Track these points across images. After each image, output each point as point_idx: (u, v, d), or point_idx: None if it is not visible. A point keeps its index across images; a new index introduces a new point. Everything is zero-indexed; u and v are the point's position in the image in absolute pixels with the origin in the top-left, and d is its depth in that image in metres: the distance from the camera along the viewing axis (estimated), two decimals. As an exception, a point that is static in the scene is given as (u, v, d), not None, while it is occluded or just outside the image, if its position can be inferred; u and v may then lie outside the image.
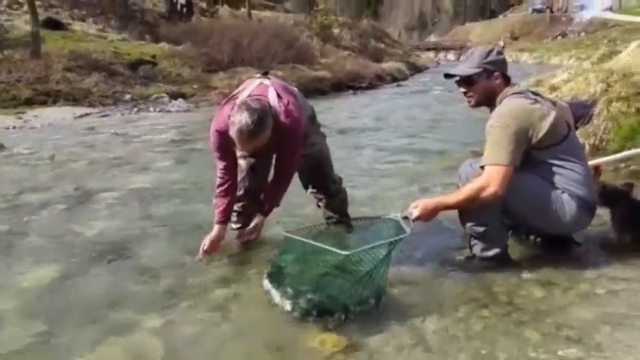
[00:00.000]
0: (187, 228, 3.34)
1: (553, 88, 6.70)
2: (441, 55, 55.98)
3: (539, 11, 72.02)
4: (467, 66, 2.55)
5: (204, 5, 26.65)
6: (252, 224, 2.84)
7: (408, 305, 2.22)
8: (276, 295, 2.22)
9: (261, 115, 2.38)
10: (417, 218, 2.38)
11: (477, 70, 2.50)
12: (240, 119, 2.35)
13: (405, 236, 2.25)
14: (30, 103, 10.59)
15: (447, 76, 2.65)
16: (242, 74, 14.20)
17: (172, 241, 3.15)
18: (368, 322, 2.07)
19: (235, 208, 2.91)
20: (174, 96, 12.47)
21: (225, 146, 2.67)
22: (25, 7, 15.45)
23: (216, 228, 2.77)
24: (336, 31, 29.14)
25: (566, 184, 2.39)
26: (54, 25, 16.97)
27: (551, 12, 70.51)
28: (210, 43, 16.19)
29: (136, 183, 4.61)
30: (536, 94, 2.54)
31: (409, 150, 5.97)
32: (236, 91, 2.77)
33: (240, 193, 2.85)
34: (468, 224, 2.52)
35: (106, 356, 1.96)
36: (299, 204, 3.41)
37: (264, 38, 17.52)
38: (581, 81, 6.04)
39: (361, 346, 1.93)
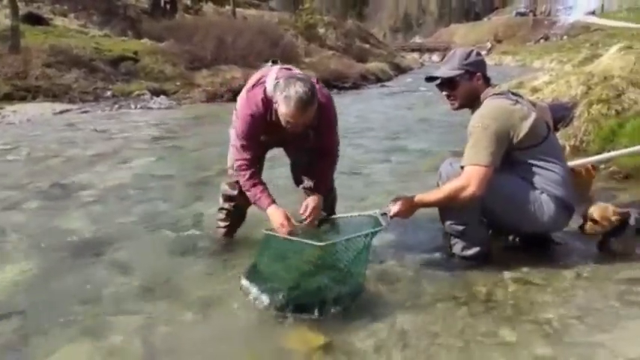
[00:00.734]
0: (166, 226, 3.29)
1: (535, 90, 6.78)
2: (426, 56, 56.45)
3: (523, 14, 73.16)
4: (448, 68, 2.53)
5: (188, 2, 26.45)
6: (310, 206, 2.55)
7: (387, 303, 2.22)
8: (254, 291, 2.23)
9: (312, 86, 2.36)
10: (396, 214, 2.39)
11: (459, 72, 2.49)
12: (296, 89, 2.29)
13: (380, 229, 2.26)
14: (9, 98, 10.36)
15: (429, 79, 2.62)
16: (225, 72, 14.13)
17: (151, 239, 3.11)
18: (346, 320, 2.07)
19: (226, 206, 2.89)
20: (156, 93, 12.33)
21: (256, 134, 2.57)
22: (5, 1, 15.15)
23: (273, 209, 2.50)
24: (321, 30, 29.19)
25: (545, 185, 2.42)
26: (35, 19, 16.67)
27: (535, 15, 71.59)
28: (194, 41, 16.05)
29: (114, 180, 4.54)
30: (516, 95, 2.55)
31: (393, 149, 5.97)
32: (255, 78, 2.66)
33: (234, 192, 2.82)
34: (448, 222, 2.53)
35: (82, 355, 1.92)
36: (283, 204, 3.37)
37: (249, 36, 17.45)
38: (563, 83, 6.12)
39: (340, 344, 1.92)
